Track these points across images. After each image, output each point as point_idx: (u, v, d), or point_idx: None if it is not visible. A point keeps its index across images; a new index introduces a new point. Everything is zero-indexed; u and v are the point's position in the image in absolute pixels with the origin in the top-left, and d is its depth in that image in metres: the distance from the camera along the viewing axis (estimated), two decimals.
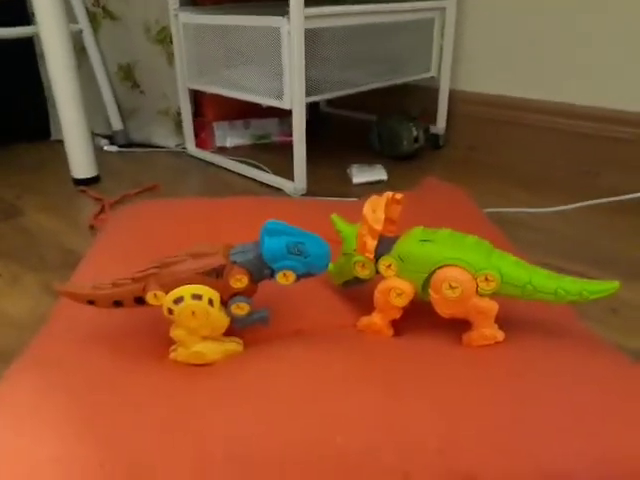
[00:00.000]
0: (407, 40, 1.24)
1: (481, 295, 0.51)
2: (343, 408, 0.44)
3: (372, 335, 0.56)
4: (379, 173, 1.20)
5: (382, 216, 0.53)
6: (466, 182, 1.14)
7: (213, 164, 1.33)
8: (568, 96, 1.19)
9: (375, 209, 0.53)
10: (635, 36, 1.08)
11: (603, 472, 0.39)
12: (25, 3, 1.40)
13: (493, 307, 0.51)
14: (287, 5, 0.96)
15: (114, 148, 1.44)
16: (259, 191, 1.16)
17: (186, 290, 0.49)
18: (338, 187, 1.16)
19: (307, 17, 0.99)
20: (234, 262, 0.50)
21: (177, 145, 1.44)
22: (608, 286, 0.49)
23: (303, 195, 1.12)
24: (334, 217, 0.59)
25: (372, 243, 0.54)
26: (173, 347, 0.53)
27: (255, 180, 1.22)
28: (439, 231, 0.54)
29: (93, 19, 1.39)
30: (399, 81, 1.26)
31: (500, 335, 0.52)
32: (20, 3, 1.40)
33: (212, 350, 0.52)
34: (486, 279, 0.50)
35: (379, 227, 0.52)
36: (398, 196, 0.55)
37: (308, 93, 1.05)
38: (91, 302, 0.52)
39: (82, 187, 1.16)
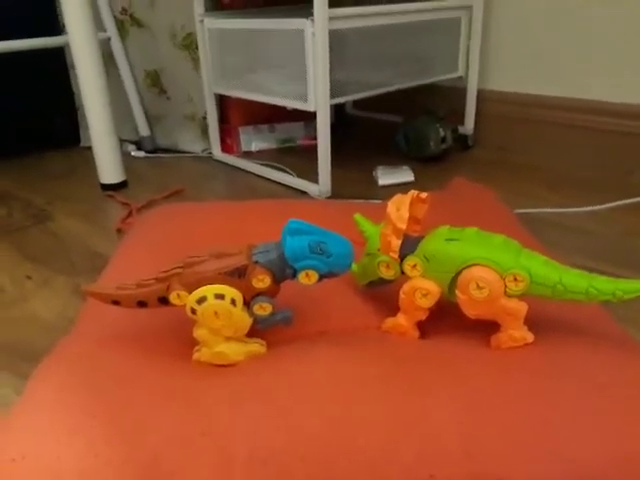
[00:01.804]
0: (434, 40, 1.23)
1: (509, 296, 0.49)
2: (366, 409, 0.43)
3: (397, 337, 0.55)
4: (406, 175, 1.19)
5: (406, 215, 0.51)
6: (496, 183, 1.12)
7: (239, 168, 1.34)
8: (599, 94, 1.16)
9: (399, 208, 0.52)
10: None
11: (634, 472, 0.37)
12: (56, 15, 1.44)
13: (522, 308, 0.49)
14: (311, 7, 0.96)
15: (141, 154, 1.46)
16: (284, 194, 1.16)
17: (209, 290, 0.49)
18: (364, 189, 1.15)
19: (331, 18, 0.98)
20: (256, 262, 0.50)
21: (203, 150, 1.45)
22: None
23: (328, 198, 1.12)
24: (357, 216, 0.58)
25: (396, 242, 0.53)
26: (197, 348, 0.53)
27: (280, 184, 1.22)
28: (466, 230, 0.52)
29: (121, 27, 1.42)
30: (426, 81, 1.25)
31: (529, 337, 0.50)
32: (52, 15, 1.44)
33: (235, 351, 0.52)
34: (515, 279, 0.48)
35: (403, 226, 0.51)
36: (423, 195, 0.54)
37: (333, 95, 1.04)
38: (116, 302, 0.52)
39: (110, 192, 1.17)
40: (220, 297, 0.49)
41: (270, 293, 0.51)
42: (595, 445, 0.39)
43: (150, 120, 1.50)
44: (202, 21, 1.23)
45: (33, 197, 1.20)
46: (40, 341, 0.68)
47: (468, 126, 1.36)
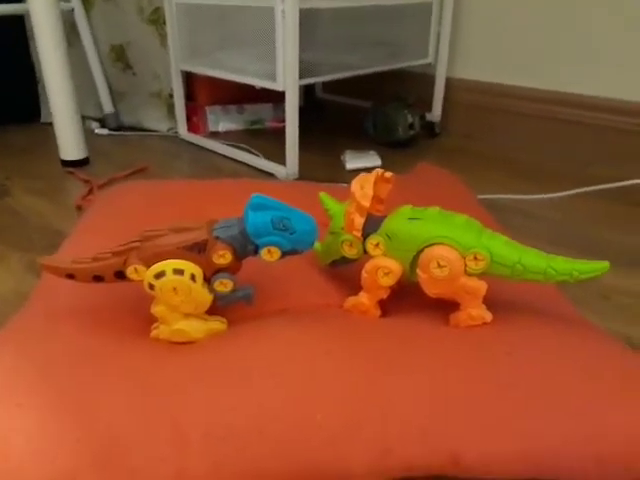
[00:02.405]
0: (404, 25, 1.22)
1: (470, 274, 0.50)
2: (326, 386, 0.43)
3: (359, 315, 0.55)
4: (373, 159, 1.19)
5: (370, 193, 0.51)
6: (461, 169, 1.13)
7: (205, 148, 1.31)
8: (564, 85, 1.18)
9: (363, 186, 0.52)
10: (632, 26, 1.06)
11: (588, 452, 0.38)
12: None
13: (482, 287, 0.50)
14: None
15: (105, 131, 1.42)
16: (251, 176, 1.14)
17: (167, 265, 0.48)
18: (331, 173, 1.15)
19: None
20: (217, 237, 0.49)
21: (169, 129, 1.42)
22: (598, 266, 0.48)
23: (295, 180, 1.11)
24: (322, 195, 0.58)
25: (360, 221, 0.52)
26: (155, 325, 0.52)
27: (247, 165, 1.20)
28: (428, 209, 0.53)
29: None
30: (396, 66, 1.25)
31: (488, 316, 0.51)
32: None
33: (195, 328, 0.51)
34: (475, 258, 0.49)
35: (367, 204, 0.51)
36: (387, 174, 0.54)
37: (302, 75, 1.03)
38: (70, 276, 0.51)
39: (70, 169, 1.14)
40: (179, 272, 0.48)
41: (231, 269, 0.50)
42: (548, 423, 0.40)
43: (114, 97, 1.45)
44: None
45: None
46: None
47: (436, 113, 1.37)
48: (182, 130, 1.37)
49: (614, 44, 1.10)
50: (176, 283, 0.49)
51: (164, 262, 0.48)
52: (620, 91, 1.10)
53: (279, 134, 1.15)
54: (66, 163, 1.16)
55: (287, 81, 1.01)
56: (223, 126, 1.44)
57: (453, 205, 0.65)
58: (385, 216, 0.54)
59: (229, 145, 1.28)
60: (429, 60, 1.31)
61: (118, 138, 1.39)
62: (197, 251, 0.49)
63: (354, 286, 0.55)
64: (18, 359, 0.46)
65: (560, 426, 0.40)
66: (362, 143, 1.32)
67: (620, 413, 0.40)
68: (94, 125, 1.43)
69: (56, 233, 0.88)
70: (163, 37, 1.31)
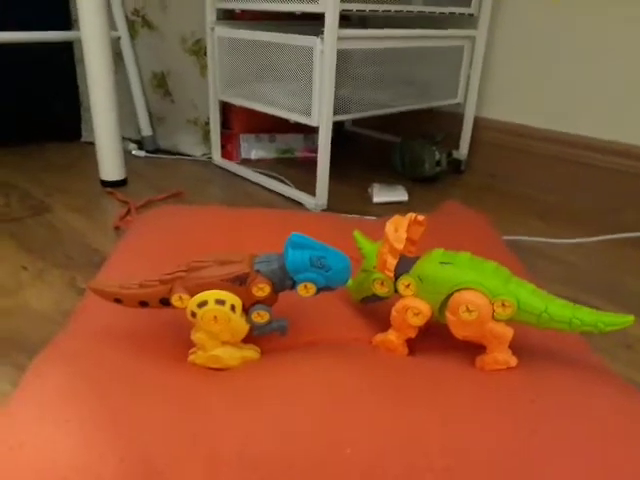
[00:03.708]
0: (436, 66, 1.26)
1: (497, 320, 0.52)
2: (354, 420, 0.45)
3: (386, 352, 0.57)
4: (400, 194, 1.22)
5: (404, 236, 0.54)
6: (485, 208, 1.15)
7: (237, 175, 1.36)
8: (591, 130, 1.20)
9: (397, 228, 0.54)
10: None
11: None
12: (69, 9, 1.45)
13: (508, 332, 0.52)
14: (321, 25, 0.99)
15: (142, 153, 1.47)
16: (280, 204, 1.18)
17: (210, 295, 0.51)
18: (358, 205, 1.18)
19: (340, 38, 1.01)
20: (258, 271, 0.52)
21: (203, 154, 1.47)
22: (623, 319, 0.49)
23: (323, 211, 1.14)
24: (356, 234, 0.61)
25: (392, 262, 0.55)
26: (192, 350, 0.55)
27: (277, 193, 1.24)
28: (459, 254, 0.55)
29: (132, 27, 1.44)
30: (426, 105, 1.28)
31: (513, 361, 0.52)
32: (64, 9, 1.45)
33: (230, 355, 0.54)
34: (503, 305, 0.51)
35: (400, 246, 0.54)
36: (420, 218, 0.57)
37: (336, 112, 1.07)
38: (118, 300, 0.54)
39: (109, 189, 1.19)
40: (220, 302, 0.51)
41: (268, 302, 0.53)
42: (567, 473, 0.41)
43: (153, 121, 1.51)
44: (213, 29, 1.26)
45: (32, 188, 1.21)
46: (33, 333, 0.69)
47: (462, 151, 1.40)
48: (216, 156, 1.42)
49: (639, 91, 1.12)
50: (217, 312, 0.51)
51: (207, 292, 0.51)
52: None
53: (309, 164, 1.19)
54: (105, 183, 1.21)
55: (321, 117, 1.05)
56: (255, 154, 1.48)
57: (480, 246, 0.68)
58: (417, 257, 0.56)
59: (260, 173, 1.32)
60: (458, 100, 1.34)
61: (154, 160, 1.45)
62: (238, 283, 0.51)
63: (383, 323, 0.57)
64: (67, 377, 0.48)
65: (576, 469, 0.41)
66: (389, 177, 1.35)
67: (633, 462, 0.41)
68: (132, 147, 1.49)
69: (94, 251, 0.91)
70: (203, 67, 1.37)
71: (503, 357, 0.52)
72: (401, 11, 1.12)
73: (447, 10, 1.21)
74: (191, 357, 0.55)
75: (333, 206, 1.15)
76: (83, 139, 1.57)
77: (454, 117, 1.39)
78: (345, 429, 0.44)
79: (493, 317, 0.51)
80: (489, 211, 1.13)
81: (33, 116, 1.51)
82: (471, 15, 1.26)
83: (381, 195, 1.21)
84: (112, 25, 1.39)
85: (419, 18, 1.24)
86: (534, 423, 0.45)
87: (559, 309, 0.50)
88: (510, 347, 0.52)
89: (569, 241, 1.01)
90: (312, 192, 1.15)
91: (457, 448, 0.43)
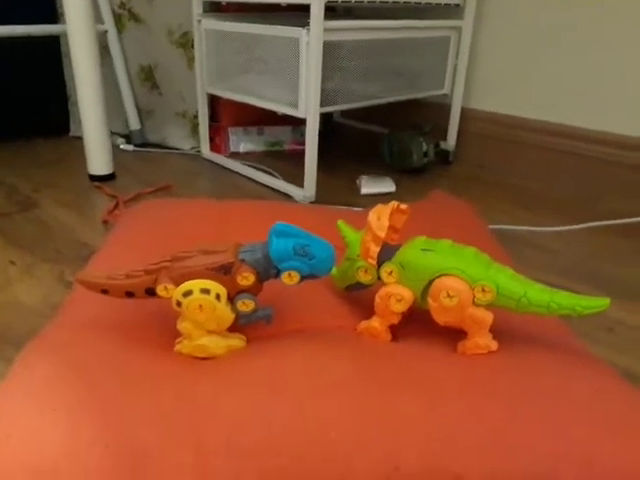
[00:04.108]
0: (423, 57, 1.27)
1: (477, 305, 0.53)
2: (339, 405, 0.46)
3: (370, 338, 0.58)
4: (388, 185, 1.23)
5: (386, 224, 0.55)
6: (473, 198, 1.16)
7: (226, 168, 1.36)
8: (576, 119, 1.21)
9: (380, 217, 0.55)
10: None
11: (585, 474, 0.41)
12: (54, 2, 1.44)
13: (488, 317, 0.53)
14: (308, 17, 1.00)
15: (130, 147, 1.47)
16: (269, 196, 1.18)
17: (195, 284, 0.52)
18: (346, 197, 1.18)
19: (326, 29, 1.02)
20: (242, 260, 0.52)
21: (192, 148, 1.47)
22: (600, 302, 0.50)
23: (312, 203, 1.15)
24: (340, 223, 0.61)
25: (375, 249, 0.56)
26: (179, 339, 0.56)
27: (266, 186, 1.24)
28: (440, 241, 0.56)
29: (118, 21, 1.44)
30: (413, 96, 1.29)
31: (494, 345, 0.54)
32: (49, 2, 1.44)
33: (216, 344, 0.55)
34: (483, 290, 0.52)
35: (383, 234, 0.55)
36: (403, 206, 0.58)
37: (323, 104, 1.08)
38: (105, 291, 0.54)
39: (97, 183, 1.19)
40: (205, 292, 0.52)
41: (253, 291, 0.54)
42: (546, 446, 0.42)
43: (141, 114, 1.51)
44: (200, 21, 1.26)
45: (20, 183, 1.21)
46: (22, 326, 0.69)
47: (450, 142, 1.40)
48: (205, 149, 1.42)
49: (625, 83, 1.13)
50: (202, 301, 0.52)
51: (192, 281, 0.52)
52: (631, 128, 1.13)
53: (297, 156, 1.19)
54: (94, 178, 1.21)
55: (309, 109, 1.06)
56: (244, 147, 1.49)
57: (465, 234, 0.69)
58: (400, 245, 0.57)
59: (249, 165, 1.32)
60: (445, 91, 1.35)
61: (143, 154, 1.45)
62: (223, 272, 0.52)
63: (367, 310, 0.58)
64: (54, 367, 0.49)
65: (559, 449, 0.42)
66: (377, 168, 1.36)
67: (612, 443, 0.42)
68: (120, 141, 1.49)
69: (83, 245, 0.92)
70: (190, 60, 1.37)
71: (484, 341, 0.53)
72: (387, 2, 1.12)
73: (433, 0, 1.21)
74: (177, 347, 0.55)
75: (321, 198, 1.16)
76: (71, 134, 1.57)
77: (441, 108, 1.40)
78: (330, 414, 0.45)
79: (473, 302, 0.52)
80: (476, 201, 1.14)
81: (20, 111, 1.50)
82: (457, 5, 1.27)
83: (369, 187, 1.22)
84: (98, 18, 1.38)
85: (405, 9, 1.24)
86: (515, 406, 0.46)
87: (537, 293, 0.52)
88: (491, 331, 0.53)
89: (552, 229, 1.02)
90: (300, 184, 1.16)
91: (441, 432, 0.44)
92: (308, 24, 1.00)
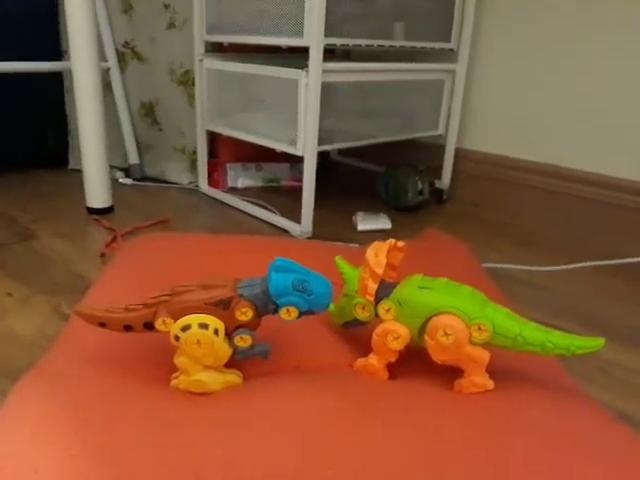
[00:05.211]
0: (418, 98, 1.30)
1: (474, 344, 0.53)
2: (336, 441, 0.46)
3: (367, 376, 0.58)
4: (383, 222, 1.24)
5: (384, 261, 0.56)
6: (466, 236, 1.18)
7: (224, 203, 1.37)
8: (568, 160, 1.24)
9: (378, 254, 0.56)
10: (634, 106, 1.13)
11: None
12: (58, 39, 1.48)
13: (485, 356, 0.53)
14: (307, 58, 1.03)
15: (129, 181, 1.49)
16: (266, 231, 1.19)
17: (194, 319, 0.52)
18: (343, 233, 1.20)
19: (325, 71, 1.05)
20: (241, 295, 0.53)
21: (190, 182, 1.49)
22: (594, 342, 0.51)
23: (308, 238, 1.16)
24: (338, 259, 0.62)
25: (373, 286, 0.56)
26: (175, 374, 0.55)
27: (263, 221, 1.26)
28: (437, 280, 0.57)
29: (121, 59, 1.47)
30: (408, 136, 1.32)
31: (490, 384, 0.54)
32: (52, 39, 1.48)
33: (213, 380, 0.55)
34: (479, 328, 0.53)
35: (380, 271, 0.55)
36: (400, 244, 0.59)
37: (320, 142, 1.10)
38: (103, 324, 0.54)
39: (96, 216, 1.20)
40: (204, 326, 0.52)
41: (251, 326, 0.54)
42: None
43: (140, 149, 1.53)
44: (201, 60, 1.29)
45: (18, 214, 1.21)
46: (18, 358, 0.69)
47: (444, 181, 1.43)
48: (203, 184, 1.44)
49: (618, 126, 1.16)
50: (200, 336, 0.52)
51: (191, 316, 0.52)
52: (626, 170, 1.16)
53: (294, 192, 1.21)
54: (92, 210, 1.22)
55: (306, 147, 1.08)
56: (242, 182, 1.50)
57: (460, 273, 0.70)
58: (397, 282, 0.58)
59: (247, 201, 1.34)
60: (440, 131, 1.38)
61: (141, 188, 1.46)
62: (222, 307, 0.53)
63: (364, 348, 0.59)
64: (50, 400, 0.49)
65: None
66: (373, 205, 1.37)
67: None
68: (118, 174, 1.50)
69: (80, 278, 0.92)
70: (191, 97, 1.40)
71: (481, 380, 0.54)
72: (383, 46, 1.16)
73: (428, 45, 1.25)
74: (174, 382, 0.55)
75: (318, 233, 1.17)
76: (70, 166, 1.58)
77: (436, 148, 1.43)
78: (327, 450, 0.45)
79: (470, 341, 0.53)
80: (470, 239, 1.15)
81: (20, 143, 1.52)
82: (451, 50, 1.31)
83: (365, 223, 1.23)
84: (102, 56, 1.42)
85: (402, 52, 1.29)
86: (509, 440, 0.46)
87: (533, 332, 0.52)
88: (487, 370, 0.54)
89: (546, 268, 1.04)
90: (297, 220, 1.17)
91: (437, 466, 0.44)
92: (307, 66, 1.03)
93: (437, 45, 1.28)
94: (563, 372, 0.63)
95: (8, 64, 1.26)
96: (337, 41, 1.07)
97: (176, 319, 0.52)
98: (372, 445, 0.45)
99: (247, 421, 0.48)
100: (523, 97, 1.29)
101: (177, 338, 0.53)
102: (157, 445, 0.45)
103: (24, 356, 0.69)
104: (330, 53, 1.30)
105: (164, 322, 0.52)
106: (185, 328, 0.52)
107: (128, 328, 0.54)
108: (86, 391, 0.51)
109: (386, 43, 1.16)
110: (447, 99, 1.36)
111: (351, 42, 1.10)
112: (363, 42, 1.12)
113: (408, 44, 1.21)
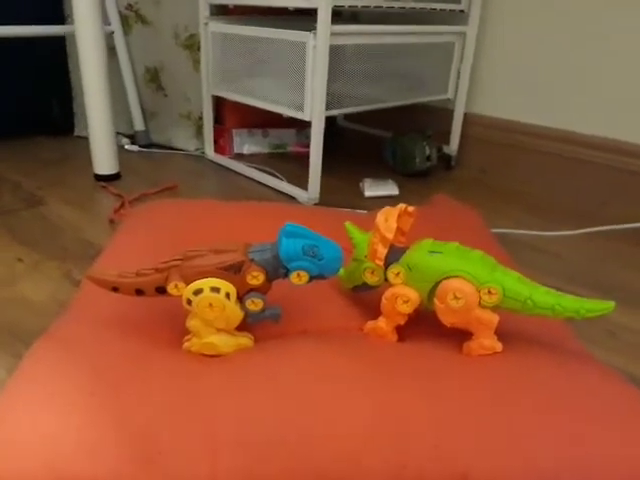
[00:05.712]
0: (427, 62, 1.28)
1: (483, 307, 0.53)
2: (347, 401, 0.46)
3: (377, 338, 0.58)
4: (391, 188, 1.23)
5: (394, 225, 0.56)
6: (475, 202, 1.17)
7: (230, 169, 1.37)
8: (580, 126, 1.22)
9: (388, 219, 0.56)
10: None
11: (586, 471, 0.42)
12: (61, 4, 1.45)
13: (494, 319, 0.53)
14: (314, 21, 1.00)
15: (135, 148, 1.48)
16: (273, 198, 1.19)
17: (205, 283, 0.52)
18: (350, 199, 1.19)
19: (333, 34, 1.02)
20: (252, 260, 0.53)
21: (196, 149, 1.48)
22: (604, 306, 0.51)
23: (315, 205, 1.15)
24: (348, 224, 0.62)
25: (383, 251, 0.57)
26: (187, 337, 0.56)
27: (270, 187, 1.25)
28: (447, 244, 0.57)
29: (125, 22, 1.44)
30: (416, 101, 1.30)
31: (499, 346, 0.54)
32: (56, 3, 1.45)
33: (225, 342, 0.55)
34: (489, 292, 0.53)
35: (391, 236, 0.55)
36: (410, 209, 0.58)
37: (328, 107, 1.08)
38: (115, 289, 0.55)
39: (103, 183, 1.19)
40: (216, 290, 0.53)
41: (262, 290, 0.55)
42: (550, 445, 0.43)
43: (146, 115, 1.52)
44: (207, 24, 1.27)
45: (24, 181, 1.21)
46: (30, 323, 0.70)
47: (452, 146, 1.41)
48: (209, 151, 1.43)
49: (630, 89, 1.14)
50: (212, 300, 0.53)
51: (202, 280, 0.52)
52: (636, 135, 1.14)
53: (301, 158, 1.20)
54: (99, 177, 1.21)
55: (314, 112, 1.07)
56: (248, 149, 1.49)
57: (469, 238, 0.69)
58: (407, 247, 0.58)
59: (253, 167, 1.33)
60: (448, 96, 1.36)
61: (147, 155, 1.46)
62: (233, 271, 0.53)
63: (374, 311, 0.59)
64: (66, 363, 0.50)
65: (561, 447, 0.43)
66: (381, 171, 1.36)
67: (615, 436, 0.43)
68: (125, 141, 1.50)
69: (89, 244, 0.92)
70: (196, 62, 1.37)
71: (489, 343, 0.54)
72: (393, 7, 1.14)
73: (438, 6, 1.22)
74: (186, 344, 0.56)
75: (325, 200, 1.16)
76: (76, 133, 1.58)
77: (445, 113, 1.41)
78: (338, 412, 0.46)
79: (480, 304, 0.53)
80: (478, 205, 1.15)
81: (24, 110, 1.51)
82: (462, 11, 1.28)
83: (372, 189, 1.23)
84: (105, 20, 1.39)
85: (410, 14, 1.26)
86: (519, 405, 0.47)
87: (543, 296, 0.52)
88: (496, 333, 0.54)
89: (556, 233, 1.03)
90: (304, 186, 1.16)
91: (447, 431, 0.44)
92: (315, 28, 1.01)
93: (447, 6, 1.24)
94: (571, 335, 0.63)
95: (9, 28, 1.24)
96: (345, 2, 1.04)
97: (188, 283, 0.53)
98: (382, 406, 0.46)
99: (257, 382, 0.49)
100: (534, 60, 1.26)
101: (189, 302, 0.53)
102: (172, 408, 0.46)
103: (37, 321, 0.70)
104: (338, 15, 1.27)
105: (176, 286, 0.53)
106: (197, 292, 0.53)
107: (140, 292, 0.55)
108: (101, 353, 0.52)
109: (395, 4, 1.14)
110: (457, 62, 1.33)
111: (360, 3, 1.08)
112: (372, 2, 1.09)
113: (418, 5, 1.18)
